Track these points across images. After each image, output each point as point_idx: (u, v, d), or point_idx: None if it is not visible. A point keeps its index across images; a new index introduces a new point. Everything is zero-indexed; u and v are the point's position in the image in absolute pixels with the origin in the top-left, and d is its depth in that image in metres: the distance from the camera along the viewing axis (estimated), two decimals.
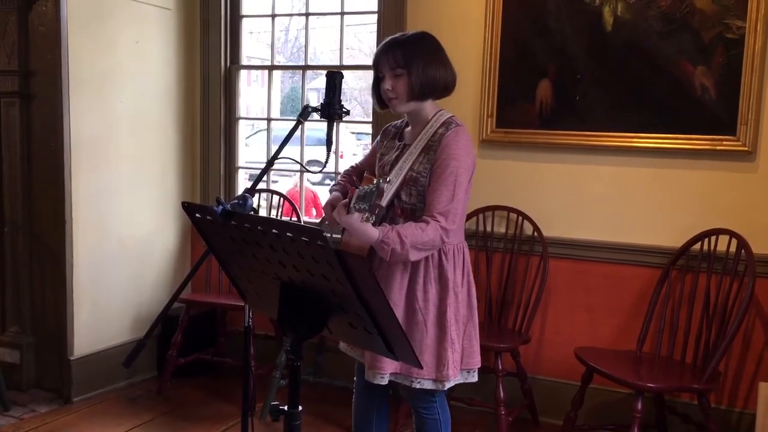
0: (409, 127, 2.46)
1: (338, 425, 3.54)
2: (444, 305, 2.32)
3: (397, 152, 2.42)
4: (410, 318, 2.32)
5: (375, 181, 2.03)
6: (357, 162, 2.71)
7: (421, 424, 2.47)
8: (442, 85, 2.36)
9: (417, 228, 2.19)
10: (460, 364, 2.36)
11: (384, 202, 2.25)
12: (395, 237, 2.13)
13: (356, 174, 2.64)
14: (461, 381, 2.40)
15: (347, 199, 2.11)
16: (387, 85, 2.33)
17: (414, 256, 2.20)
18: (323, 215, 2.48)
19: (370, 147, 2.87)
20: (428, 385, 2.34)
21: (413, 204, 2.33)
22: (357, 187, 2.35)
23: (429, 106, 2.39)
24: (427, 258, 2.30)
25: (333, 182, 2.72)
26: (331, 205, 2.43)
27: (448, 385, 2.34)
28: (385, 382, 2.34)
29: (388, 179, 2.16)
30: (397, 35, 2.42)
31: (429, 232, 2.19)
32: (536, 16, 3.48)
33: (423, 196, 2.30)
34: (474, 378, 2.43)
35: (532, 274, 3.55)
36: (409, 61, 2.29)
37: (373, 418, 2.60)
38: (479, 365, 2.43)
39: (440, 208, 2.23)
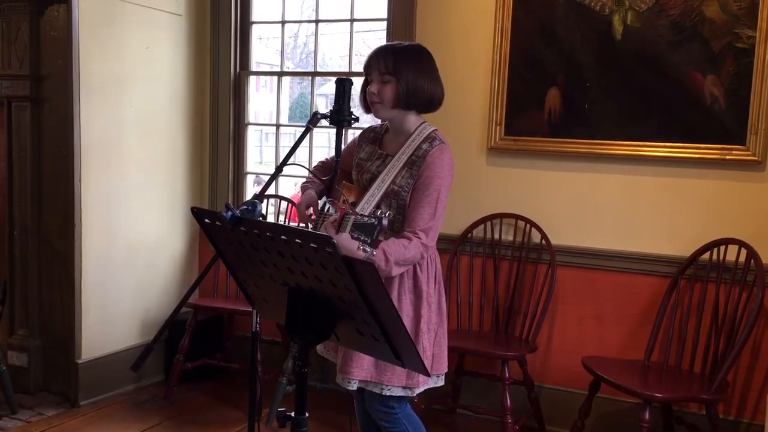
0: (389, 134, 2.46)
1: None
2: (418, 315, 2.35)
3: (378, 162, 2.40)
4: None
5: (372, 212, 2.01)
6: (328, 157, 2.65)
7: None
8: (427, 99, 2.34)
9: (400, 245, 2.22)
10: (431, 370, 2.39)
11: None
12: (381, 254, 2.15)
13: (328, 171, 2.52)
14: (430, 386, 2.43)
15: (336, 218, 2.10)
16: (373, 89, 2.33)
17: (396, 271, 2.24)
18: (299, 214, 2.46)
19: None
20: (398, 392, 2.35)
21: (392, 216, 2.35)
22: (338, 192, 2.34)
23: (412, 118, 2.38)
24: None
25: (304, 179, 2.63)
26: (307, 204, 2.43)
27: (417, 391, 2.36)
28: (353, 387, 2.35)
29: (388, 214, 2.15)
30: (392, 42, 2.42)
31: (411, 249, 2.23)
32: (545, 24, 3.48)
33: (402, 209, 2.33)
34: (441, 382, 2.47)
35: (539, 282, 3.55)
36: (399, 68, 2.30)
37: (373, 422, 2.60)
38: (446, 370, 2.47)
39: (422, 225, 2.26)
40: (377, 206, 2.32)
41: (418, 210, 2.27)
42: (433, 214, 2.27)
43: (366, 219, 2.01)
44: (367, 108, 2.41)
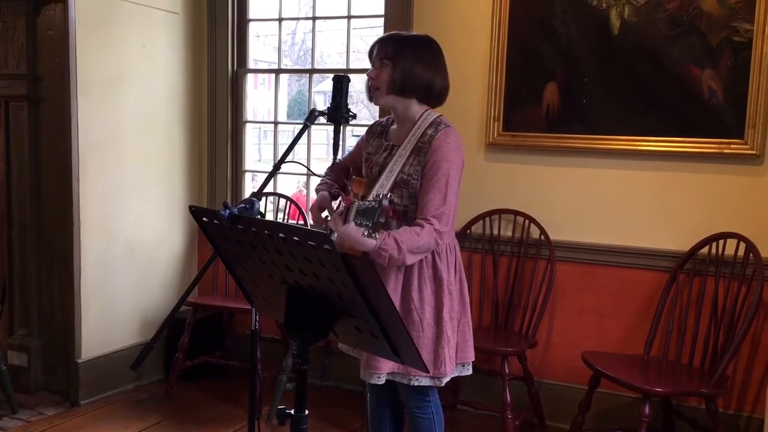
0: (395, 126, 2.46)
1: (345, 429, 3.53)
2: (440, 304, 2.35)
3: (385, 153, 2.41)
4: (406, 318, 2.33)
5: (375, 196, 2.02)
6: (340, 158, 2.67)
7: (415, 425, 2.48)
8: (424, 86, 2.33)
9: (412, 232, 2.20)
10: (455, 359, 2.40)
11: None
12: (392, 243, 2.14)
13: (341, 171, 2.61)
14: (456, 375, 2.44)
15: (342, 210, 2.11)
16: (371, 72, 2.35)
17: (410, 260, 2.23)
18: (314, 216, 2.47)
19: None
20: (426, 381, 2.36)
21: (405, 206, 2.34)
22: (348, 190, 2.36)
23: (415, 106, 2.38)
24: (421, 259, 2.32)
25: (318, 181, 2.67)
26: (319, 206, 2.43)
27: (444, 380, 2.37)
28: (381, 381, 2.36)
29: (389, 195, 2.16)
30: (401, 32, 2.43)
31: (424, 235, 2.21)
32: (543, 19, 3.48)
33: (414, 198, 2.32)
34: (468, 371, 2.47)
35: (539, 277, 3.55)
36: (398, 54, 2.31)
37: (385, 416, 2.61)
38: (473, 359, 2.47)
39: (433, 210, 2.24)
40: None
41: (428, 196, 2.26)
42: (443, 198, 2.25)
43: (367, 204, 2.01)
44: (370, 96, 2.42)
